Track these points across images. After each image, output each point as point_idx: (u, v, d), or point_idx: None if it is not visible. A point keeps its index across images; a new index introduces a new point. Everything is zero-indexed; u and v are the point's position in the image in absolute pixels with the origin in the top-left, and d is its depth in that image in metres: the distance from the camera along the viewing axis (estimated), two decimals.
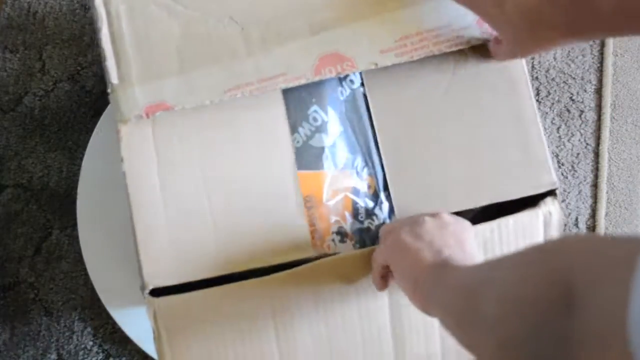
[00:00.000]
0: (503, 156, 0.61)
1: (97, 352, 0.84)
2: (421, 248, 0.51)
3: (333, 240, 0.60)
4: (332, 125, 0.61)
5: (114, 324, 0.81)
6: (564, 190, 0.90)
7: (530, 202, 0.60)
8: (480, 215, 0.62)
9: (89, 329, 0.84)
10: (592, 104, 0.92)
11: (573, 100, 0.92)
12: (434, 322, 0.58)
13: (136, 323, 0.79)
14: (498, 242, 0.59)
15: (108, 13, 0.59)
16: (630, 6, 0.46)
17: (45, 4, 0.91)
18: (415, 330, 0.60)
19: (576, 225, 0.90)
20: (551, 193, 0.61)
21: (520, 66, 0.62)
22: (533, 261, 0.38)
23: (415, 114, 0.61)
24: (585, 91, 0.92)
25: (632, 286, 0.27)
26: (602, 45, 0.94)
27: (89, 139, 0.82)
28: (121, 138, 0.57)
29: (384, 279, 0.55)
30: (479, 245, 0.57)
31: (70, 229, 0.85)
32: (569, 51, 0.93)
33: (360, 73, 0.62)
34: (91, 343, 0.84)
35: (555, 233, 0.60)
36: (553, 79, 0.92)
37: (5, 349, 0.84)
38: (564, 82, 0.92)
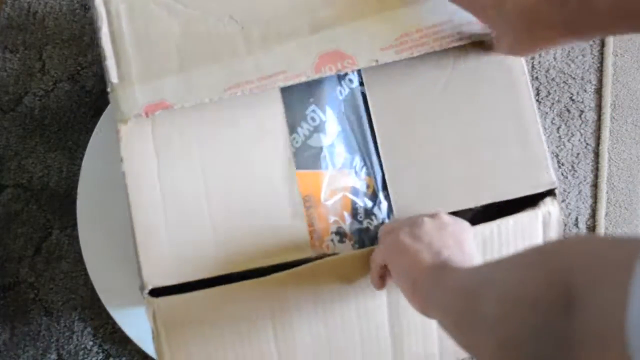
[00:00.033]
0: (502, 155, 0.61)
1: (97, 352, 0.84)
2: (420, 249, 0.51)
3: (332, 240, 0.60)
4: (331, 125, 0.61)
5: (114, 324, 0.81)
6: (564, 190, 0.90)
7: (529, 202, 0.60)
8: (480, 215, 0.62)
9: (89, 329, 0.84)
10: (592, 104, 0.92)
11: (573, 100, 0.92)
12: (432, 322, 0.58)
13: (136, 323, 0.79)
14: (497, 243, 0.59)
15: (108, 12, 0.59)
16: (626, 4, 0.46)
17: (45, 4, 0.91)
18: (414, 329, 0.60)
19: (576, 225, 0.90)
20: (550, 193, 0.60)
21: (520, 65, 0.62)
22: (533, 262, 0.38)
23: (414, 112, 0.61)
24: (585, 91, 0.92)
25: (630, 289, 0.27)
26: (602, 45, 0.94)
27: (89, 139, 0.82)
28: (121, 138, 0.57)
29: (382, 278, 0.55)
30: (479, 245, 0.57)
31: (70, 229, 0.85)
32: (569, 51, 0.93)
33: (359, 73, 0.62)
34: (91, 343, 0.84)
35: (554, 233, 0.60)
36: (553, 79, 0.92)
37: (5, 349, 0.84)
38: (564, 82, 0.92)
